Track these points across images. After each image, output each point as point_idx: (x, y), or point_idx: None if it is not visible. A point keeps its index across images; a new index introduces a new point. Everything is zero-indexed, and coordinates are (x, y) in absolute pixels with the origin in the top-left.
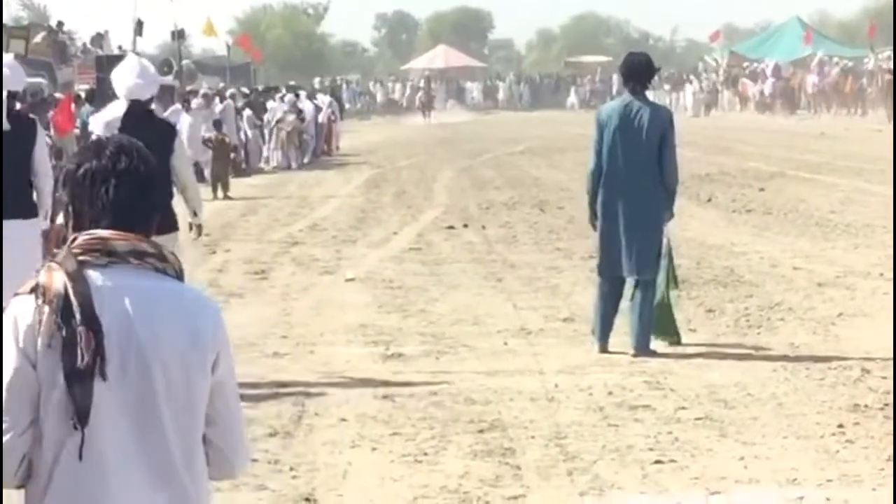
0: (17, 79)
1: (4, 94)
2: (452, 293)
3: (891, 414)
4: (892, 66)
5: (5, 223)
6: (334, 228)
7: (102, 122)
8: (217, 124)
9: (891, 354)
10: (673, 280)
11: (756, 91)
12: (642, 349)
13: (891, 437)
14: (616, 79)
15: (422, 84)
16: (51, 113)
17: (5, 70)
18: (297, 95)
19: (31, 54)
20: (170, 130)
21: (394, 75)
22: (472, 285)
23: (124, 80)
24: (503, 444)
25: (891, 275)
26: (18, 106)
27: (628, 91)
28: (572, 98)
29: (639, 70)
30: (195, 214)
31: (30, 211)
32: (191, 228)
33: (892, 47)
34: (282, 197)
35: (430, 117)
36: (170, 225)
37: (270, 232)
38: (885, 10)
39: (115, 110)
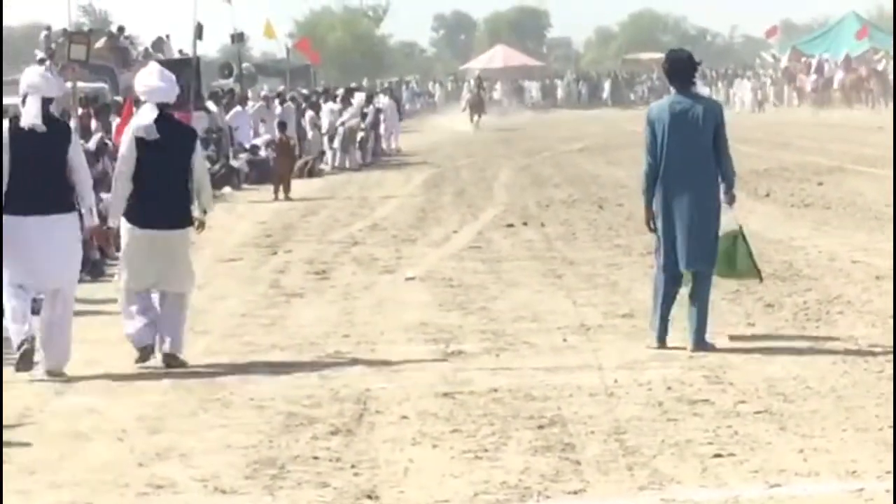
0: (52, 86)
1: (31, 98)
2: (512, 290)
3: None
4: None
5: (48, 217)
6: (394, 228)
7: (141, 126)
8: (281, 126)
9: None
10: (755, 269)
11: (813, 85)
12: (700, 344)
13: None
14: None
15: (471, 85)
16: (116, 119)
17: (38, 78)
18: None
19: (92, 59)
20: (192, 132)
21: (453, 75)
22: (531, 283)
23: (152, 84)
24: (563, 440)
25: None
26: (80, 111)
27: (674, 89)
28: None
29: (681, 67)
30: (204, 212)
31: (69, 206)
32: (194, 224)
33: None
34: (342, 197)
35: (478, 122)
36: (189, 220)
37: (331, 232)
38: None
39: (148, 115)
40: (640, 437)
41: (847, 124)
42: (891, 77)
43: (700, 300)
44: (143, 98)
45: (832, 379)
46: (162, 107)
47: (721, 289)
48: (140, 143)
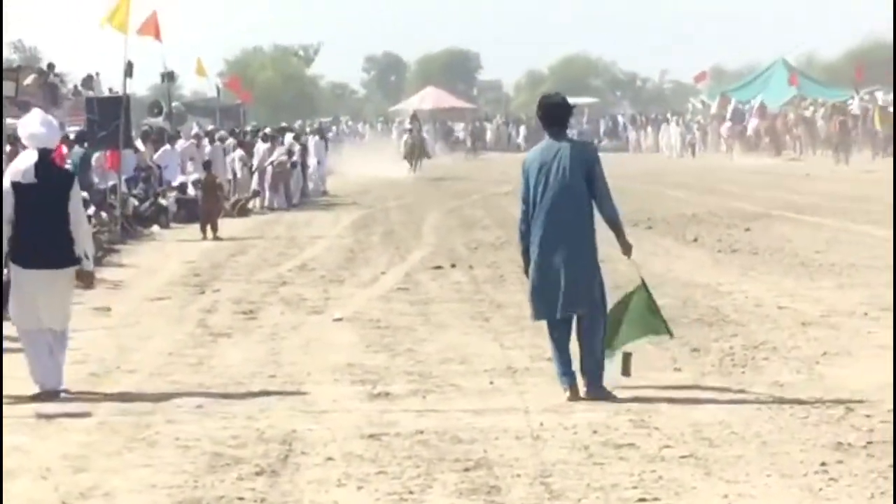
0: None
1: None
2: (439, 332)
3: (874, 452)
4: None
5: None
6: (322, 268)
7: (18, 170)
8: (207, 165)
9: (874, 393)
10: (662, 323)
11: (740, 132)
12: (594, 391)
13: (873, 476)
14: (603, 121)
15: (408, 125)
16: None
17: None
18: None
19: (21, 96)
20: (69, 176)
21: (383, 116)
22: (459, 325)
23: (33, 130)
24: (488, 483)
25: (875, 314)
26: (8, 148)
27: (548, 134)
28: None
29: (555, 112)
30: (86, 257)
31: (72, 260)
32: (79, 277)
33: (878, 88)
34: (271, 237)
35: (419, 166)
36: (71, 260)
37: (259, 272)
38: (871, 51)
39: (27, 160)
40: (565, 481)
41: (773, 171)
42: (819, 125)
43: (588, 345)
44: (25, 143)
45: (757, 424)
46: (42, 152)
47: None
48: (18, 186)
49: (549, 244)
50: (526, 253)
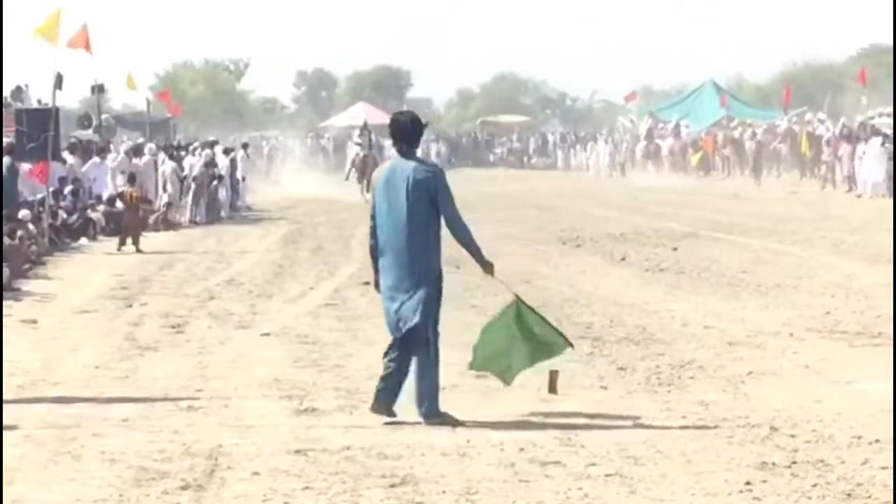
0: None
1: None
2: (367, 349)
3: (798, 472)
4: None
5: None
6: (251, 283)
7: None
8: (131, 178)
9: (798, 413)
10: (559, 337)
11: (644, 152)
12: (430, 415)
13: (797, 496)
14: (533, 139)
15: (357, 139)
16: None
17: None
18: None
19: None
20: None
21: (314, 132)
22: (386, 341)
23: None
24: (414, 499)
25: (800, 334)
26: None
27: (398, 152)
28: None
29: (405, 129)
30: None
31: None
32: None
33: (806, 110)
34: (199, 251)
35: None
36: None
37: (187, 286)
38: (800, 74)
39: None
40: (491, 498)
41: (701, 191)
42: (748, 146)
43: (421, 368)
44: None
45: (682, 443)
46: None
47: (575, 351)
48: None
49: (390, 263)
50: (375, 268)
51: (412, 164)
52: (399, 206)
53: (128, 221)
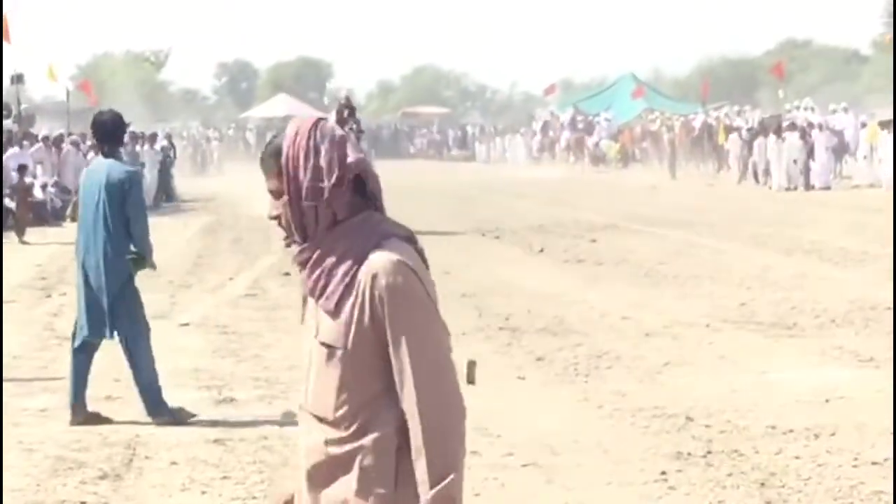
0: None
1: None
2: (286, 339)
3: (713, 461)
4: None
5: None
6: (170, 273)
7: None
8: (21, 169)
9: (713, 403)
10: None
11: (539, 144)
12: (155, 411)
13: (712, 485)
14: (452, 132)
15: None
16: None
17: None
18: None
19: None
20: None
21: (234, 123)
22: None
23: None
24: None
25: (716, 325)
26: None
27: (101, 152)
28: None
29: (105, 129)
30: None
31: None
32: None
33: (724, 104)
34: None
35: None
36: None
37: None
38: (718, 68)
39: None
40: None
41: (620, 183)
42: (665, 138)
43: (136, 368)
44: None
45: (599, 433)
46: None
47: (493, 342)
48: None
49: (86, 265)
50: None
51: (111, 163)
52: (91, 205)
53: (19, 212)
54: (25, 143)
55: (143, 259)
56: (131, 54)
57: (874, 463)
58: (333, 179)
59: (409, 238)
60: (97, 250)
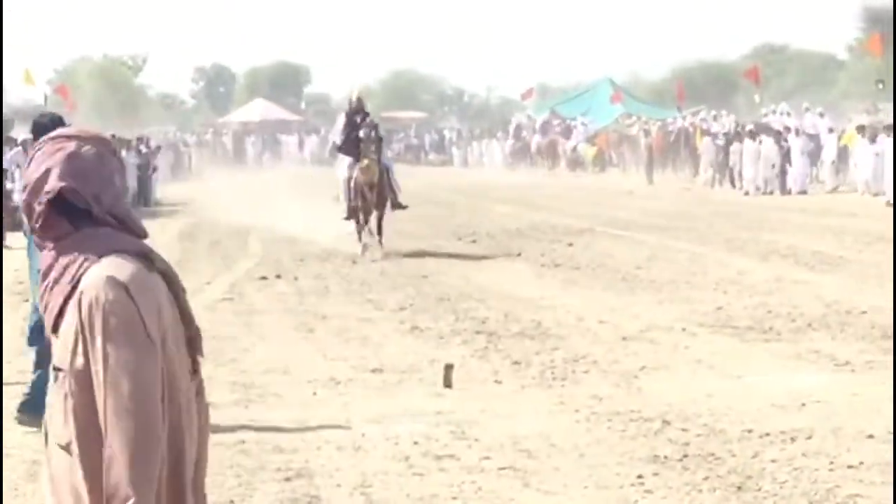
0: None
1: None
2: (263, 343)
3: (689, 465)
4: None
5: None
6: None
7: None
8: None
9: (690, 407)
10: None
11: (511, 149)
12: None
13: (688, 489)
14: (429, 136)
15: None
16: None
17: None
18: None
19: None
20: None
21: (212, 127)
22: (283, 335)
23: None
24: (309, 493)
25: (692, 329)
26: None
27: None
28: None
29: (42, 132)
30: None
31: None
32: None
33: (701, 108)
34: None
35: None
36: None
37: None
38: (694, 71)
39: None
40: (386, 491)
41: (597, 187)
42: (642, 143)
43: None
44: None
45: (576, 437)
46: None
47: (470, 346)
48: None
49: (30, 266)
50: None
51: None
52: None
53: None
54: (4, 147)
55: None
56: (108, 58)
57: (850, 466)
58: (42, 196)
59: (141, 254)
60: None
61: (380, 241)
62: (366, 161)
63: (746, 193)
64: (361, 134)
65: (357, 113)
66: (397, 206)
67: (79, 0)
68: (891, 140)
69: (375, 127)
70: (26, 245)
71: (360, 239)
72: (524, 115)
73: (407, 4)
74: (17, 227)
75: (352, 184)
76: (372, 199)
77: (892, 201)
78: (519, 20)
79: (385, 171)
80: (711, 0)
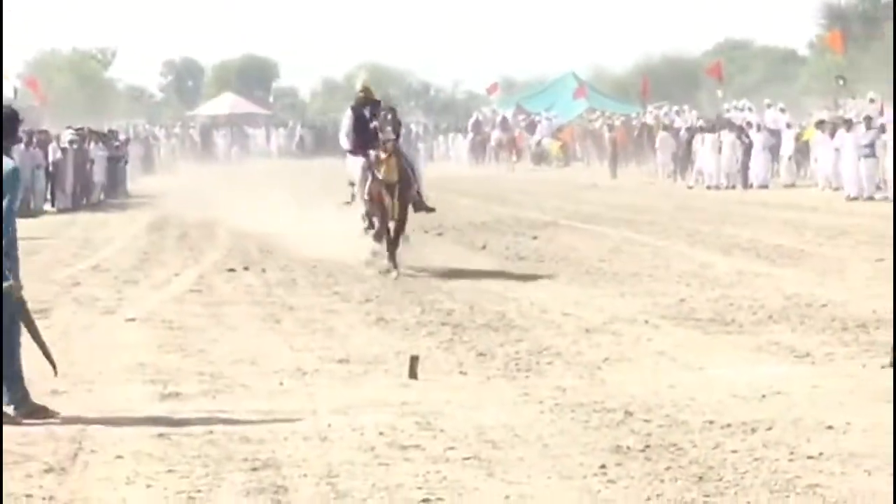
0: None
1: None
2: (231, 334)
3: (651, 455)
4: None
5: None
6: (117, 269)
7: None
8: None
9: (652, 398)
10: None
11: (481, 142)
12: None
13: (650, 478)
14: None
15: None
16: None
17: None
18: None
19: None
20: None
21: (181, 120)
22: (250, 327)
23: None
24: (276, 483)
25: (655, 321)
26: None
27: None
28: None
29: None
30: None
31: None
32: None
33: (664, 104)
34: (65, 238)
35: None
36: None
37: (52, 272)
38: (658, 66)
39: None
40: (351, 481)
41: (562, 181)
42: (606, 137)
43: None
44: None
45: (539, 427)
46: None
47: (436, 337)
48: None
49: None
50: None
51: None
52: None
53: None
54: None
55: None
56: (78, 52)
57: (810, 457)
58: None
59: None
60: None
61: (393, 259)
62: (383, 156)
63: (708, 188)
64: (381, 124)
65: (365, 105)
66: (422, 208)
67: None
68: (851, 136)
69: (393, 112)
70: None
71: (389, 259)
72: (489, 109)
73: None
74: None
75: (367, 187)
76: (391, 203)
77: (851, 195)
78: (484, 13)
79: (408, 168)
80: None
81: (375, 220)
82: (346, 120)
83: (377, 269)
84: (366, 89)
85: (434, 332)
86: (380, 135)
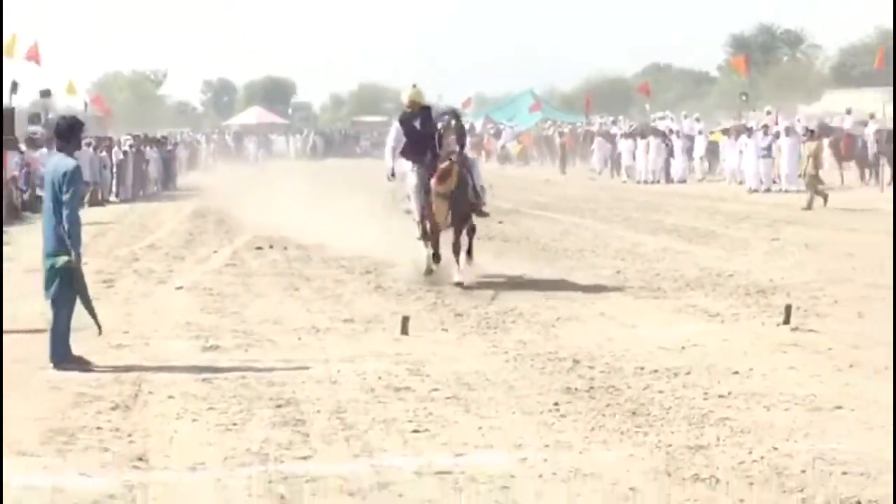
0: None
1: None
2: (259, 300)
3: (595, 395)
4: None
5: None
6: (167, 247)
7: None
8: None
9: (595, 350)
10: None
11: (497, 146)
12: (57, 362)
13: (594, 413)
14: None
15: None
16: None
17: None
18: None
19: None
20: None
21: (217, 129)
22: (274, 293)
23: None
24: (295, 417)
25: (597, 289)
26: None
27: (57, 148)
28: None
29: (63, 130)
30: None
31: None
32: None
33: (603, 115)
34: (126, 223)
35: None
36: None
37: (116, 250)
38: (599, 85)
39: None
40: (356, 416)
41: (521, 177)
42: (557, 142)
43: (51, 324)
44: None
45: (505, 373)
46: None
47: (423, 301)
48: None
49: (45, 237)
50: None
51: (59, 157)
52: (47, 194)
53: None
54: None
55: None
56: (136, 73)
57: (720, 396)
58: None
59: None
60: (45, 229)
61: (458, 268)
62: (445, 164)
63: (638, 182)
64: (439, 126)
65: (415, 117)
66: (479, 213)
67: (111, 23)
68: (752, 140)
69: (456, 116)
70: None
71: (433, 261)
72: (465, 119)
73: (370, 31)
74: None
75: (418, 192)
76: (445, 212)
77: (752, 188)
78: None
79: (467, 174)
80: (612, 27)
81: (427, 227)
82: (392, 132)
83: (431, 277)
84: (413, 102)
85: (421, 297)
86: (443, 142)
